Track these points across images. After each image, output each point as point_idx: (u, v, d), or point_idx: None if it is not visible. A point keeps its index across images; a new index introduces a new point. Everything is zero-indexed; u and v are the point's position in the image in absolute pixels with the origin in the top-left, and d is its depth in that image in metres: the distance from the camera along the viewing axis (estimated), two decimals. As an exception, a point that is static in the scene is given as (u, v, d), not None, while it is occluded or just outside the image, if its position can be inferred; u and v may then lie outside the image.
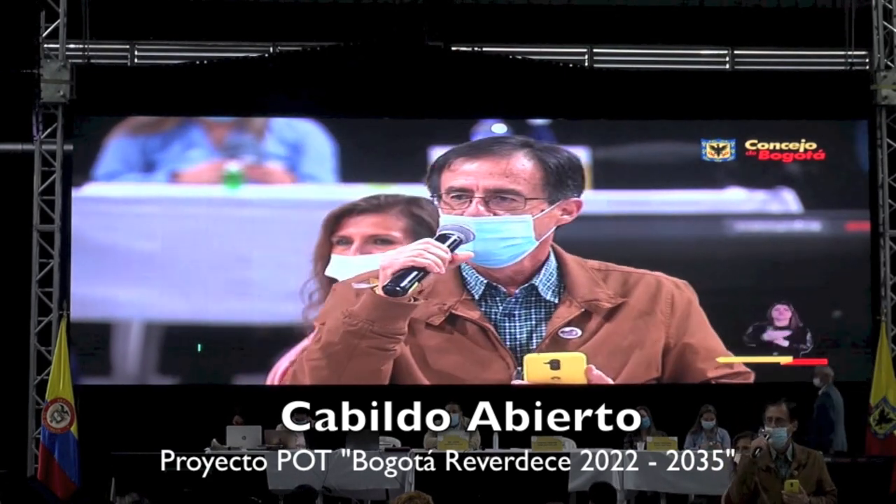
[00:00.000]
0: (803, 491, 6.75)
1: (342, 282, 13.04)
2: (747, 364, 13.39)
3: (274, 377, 13.27)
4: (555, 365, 12.86)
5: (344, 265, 13.13)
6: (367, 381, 12.72)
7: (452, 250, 12.62)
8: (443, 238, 12.68)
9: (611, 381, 12.97)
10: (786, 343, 13.54)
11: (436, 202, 12.95)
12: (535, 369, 12.89)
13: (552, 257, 13.14)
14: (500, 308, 13.09)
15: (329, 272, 13.16)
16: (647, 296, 13.23)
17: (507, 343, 13.11)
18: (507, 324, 13.12)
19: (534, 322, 13.13)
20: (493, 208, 12.83)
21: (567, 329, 13.10)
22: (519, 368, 13.00)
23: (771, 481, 6.91)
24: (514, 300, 13.08)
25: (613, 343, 13.17)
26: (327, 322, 12.92)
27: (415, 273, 12.52)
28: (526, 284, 13.08)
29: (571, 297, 13.13)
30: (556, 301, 13.13)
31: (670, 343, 13.21)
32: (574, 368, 12.87)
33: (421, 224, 13.19)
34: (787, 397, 7.02)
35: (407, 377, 12.96)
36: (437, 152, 13.45)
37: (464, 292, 13.03)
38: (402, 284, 12.45)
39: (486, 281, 13.02)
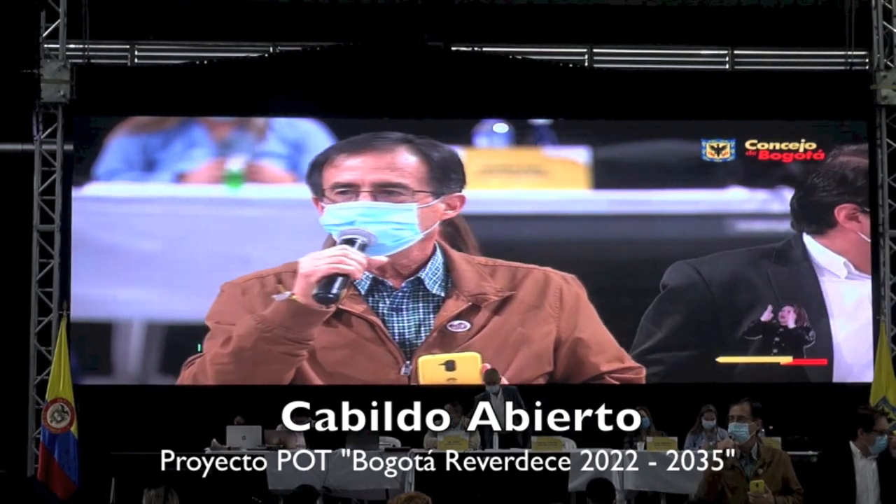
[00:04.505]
0: (769, 491, 6.74)
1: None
2: (748, 364, 13.39)
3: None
4: (450, 366, 13.03)
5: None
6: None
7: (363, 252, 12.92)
8: (350, 242, 12.92)
9: (505, 382, 12.68)
10: (786, 343, 13.56)
11: (319, 199, 13.11)
12: (431, 371, 13.05)
13: (438, 253, 13.24)
14: (388, 302, 13.18)
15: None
16: (535, 290, 13.29)
17: (396, 338, 13.19)
18: (394, 318, 13.19)
19: (421, 315, 13.20)
20: (381, 200, 13.03)
21: (455, 322, 13.18)
22: (408, 363, 13.11)
23: (737, 479, 6.92)
24: (400, 294, 13.16)
25: (502, 336, 13.22)
26: (237, 328, 13.05)
27: (341, 279, 12.87)
28: (412, 278, 13.16)
29: (458, 291, 13.21)
30: (444, 294, 13.22)
31: (562, 337, 13.25)
32: (469, 368, 12.97)
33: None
34: (750, 396, 7.02)
35: (299, 376, 13.08)
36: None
37: (350, 287, 13.10)
38: (334, 291, 12.86)
39: (371, 275, 13.11)
